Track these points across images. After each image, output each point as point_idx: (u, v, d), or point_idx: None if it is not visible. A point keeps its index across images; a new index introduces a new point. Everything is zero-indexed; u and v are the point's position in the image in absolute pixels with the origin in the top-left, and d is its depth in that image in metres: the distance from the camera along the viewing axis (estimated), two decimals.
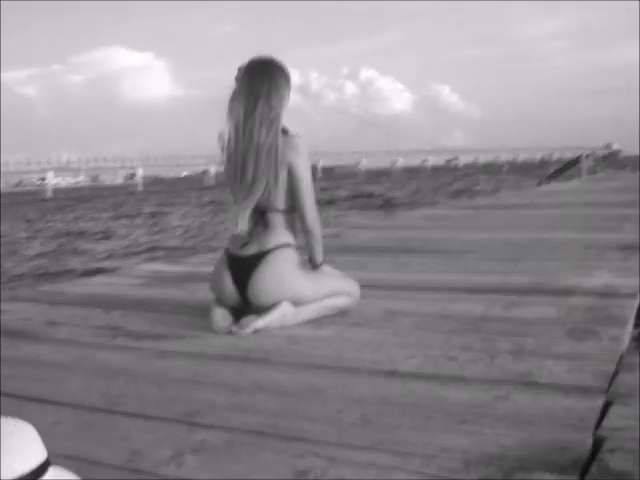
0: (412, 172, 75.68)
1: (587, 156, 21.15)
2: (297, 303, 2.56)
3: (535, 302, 2.82)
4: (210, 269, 4.19)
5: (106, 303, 3.16)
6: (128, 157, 67.11)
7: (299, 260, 2.64)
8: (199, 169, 77.18)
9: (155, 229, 18.96)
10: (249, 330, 2.46)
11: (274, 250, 2.55)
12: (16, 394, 1.89)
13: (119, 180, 70.30)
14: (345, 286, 2.74)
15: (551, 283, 3.22)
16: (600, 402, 1.63)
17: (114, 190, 57.96)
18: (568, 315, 2.56)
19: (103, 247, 14.77)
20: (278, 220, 2.59)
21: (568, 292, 2.97)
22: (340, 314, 2.68)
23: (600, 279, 3.25)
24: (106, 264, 11.09)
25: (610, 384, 1.76)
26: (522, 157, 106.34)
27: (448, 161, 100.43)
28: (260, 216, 2.58)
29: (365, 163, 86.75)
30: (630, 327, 2.41)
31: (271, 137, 2.50)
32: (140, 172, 64.87)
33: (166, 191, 51.29)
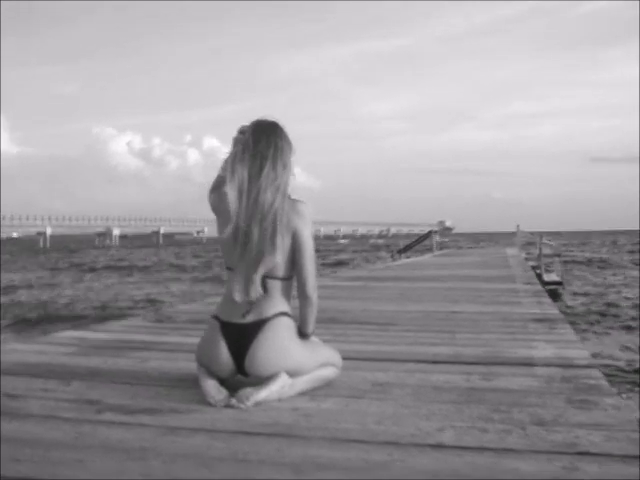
0: None
1: (436, 232, 22.50)
2: (294, 374, 2.47)
3: (506, 373, 2.89)
4: (131, 336, 4.01)
5: (56, 373, 2.88)
6: None
7: (296, 329, 2.55)
8: (33, 230, 73.69)
9: None
10: (250, 403, 2.33)
11: (273, 318, 2.46)
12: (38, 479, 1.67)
13: None
14: (332, 356, 2.69)
15: (503, 354, 3.33)
16: None
17: None
18: (549, 386, 2.65)
19: None
20: (277, 287, 2.49)
21: (528, 363, 3.08)
22: (327, 385, 2.62)
23: (546, 350, 3.41)
24: None
25: None
26: (361, 231, 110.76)
27: None
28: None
29: (207, 232, 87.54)
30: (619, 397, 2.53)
31: (277, 202, 2.42)
32: None
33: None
